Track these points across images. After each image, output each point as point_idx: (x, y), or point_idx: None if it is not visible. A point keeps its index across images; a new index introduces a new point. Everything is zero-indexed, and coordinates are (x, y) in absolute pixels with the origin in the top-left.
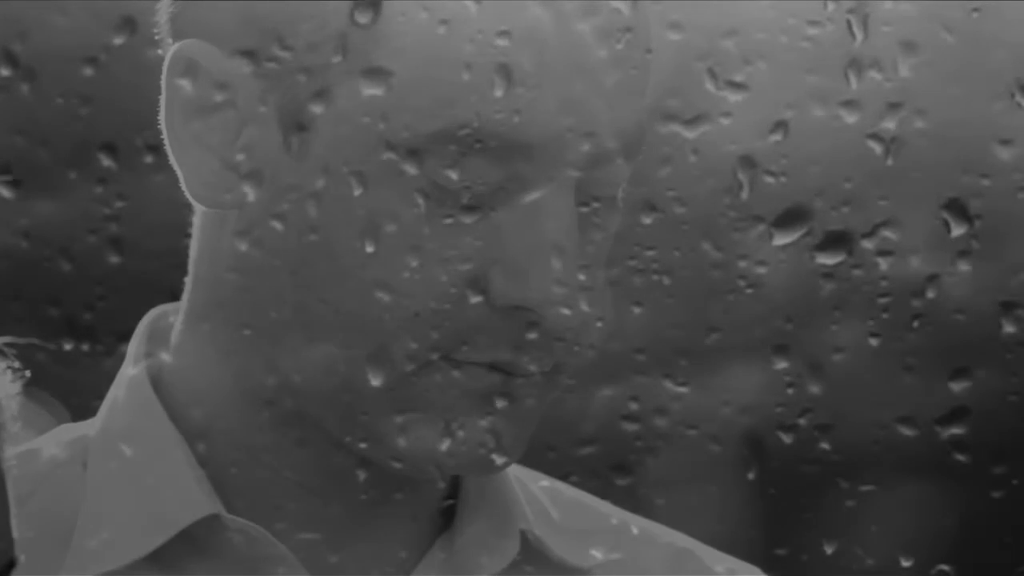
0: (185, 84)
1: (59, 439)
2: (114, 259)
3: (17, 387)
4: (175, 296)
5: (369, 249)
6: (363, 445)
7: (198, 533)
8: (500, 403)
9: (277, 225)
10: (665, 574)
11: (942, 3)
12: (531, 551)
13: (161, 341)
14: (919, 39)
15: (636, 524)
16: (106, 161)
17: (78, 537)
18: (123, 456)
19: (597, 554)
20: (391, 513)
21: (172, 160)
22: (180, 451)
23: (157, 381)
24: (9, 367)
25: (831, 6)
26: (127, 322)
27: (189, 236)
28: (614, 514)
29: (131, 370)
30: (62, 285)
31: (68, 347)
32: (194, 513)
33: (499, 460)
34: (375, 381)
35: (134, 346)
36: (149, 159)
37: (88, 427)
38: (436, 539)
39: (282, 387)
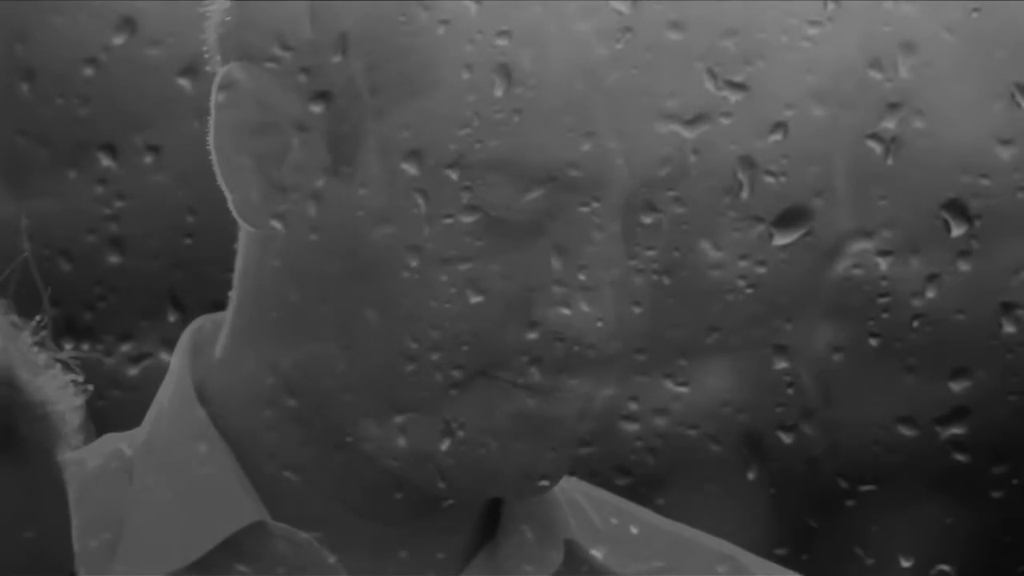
0: (233, 106)
1: (104, 449)
2: (114, 259)
3: (80, 400)
4: (175, 296)
5: (411, 265)
6: (366, 445)
7: (243, 540)
8: (535, 423)
9: (322, 244)
10: None
11: (942, 3)
12: (575, 560)
13: (205, 351)
14: (919, 39)
15: (678, 531)
16: (106, 161)
17: (124, 545)
18: (168, 464)
19: (640, 563)
20: (432, 524)
21: (220, 181)
22: (225, 459)
23: (202, 390)
24: (72, 380)
25: (831, 6)
26: (127, 322)
27: (189, 236)
28: (656, 521)
29: (175, 379)
30: (62, 285)
31: (68, 347)
32: (240, 520)
33: (542, 482)
34: (410, 396)
35: (178, 355)
36: (149, 159)
37: (133, 437)
38: (480, 549)
39: (324, 400)
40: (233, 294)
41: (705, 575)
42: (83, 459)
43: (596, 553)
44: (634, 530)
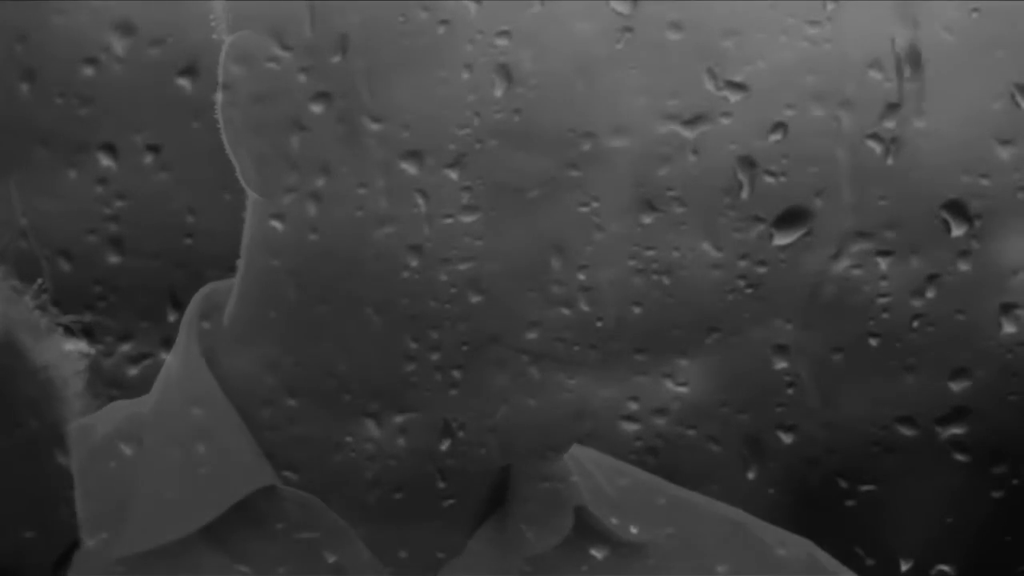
0: (241, 74)
1: (113, 415)
2: (114, 259)
3: (83, 364)
4: (175, 296)
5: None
6: (366, 445)
7: (254, 505)
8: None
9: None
10: (718, 548)
11: (942, 3)
12: (585, 527)
13: (213, 317)
14: (919, 39)
15: (690, 498)
16: (106, 161)
17: (134, 510)
18: (179, 430)
19: (651, 529)
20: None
21: (228, 150)
22: (234, 424)
23: (210, 356)
24: (74, 344)
25: (831, 6)
26: (127, 322)
27: (189, 236)
28: (666, 488)
29: (184, 347)
30: (62, 285)
31: (68, 348)
32: (250, 484)
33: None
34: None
35: (187, 321)
36: (149, 159)
37: (141, 404)
38: (489, 516)
39: (325, 374)
40: (240, 262)
41: (716, 540)
42: (92, 425)
43: (607, 520)
44: (645, 496)
